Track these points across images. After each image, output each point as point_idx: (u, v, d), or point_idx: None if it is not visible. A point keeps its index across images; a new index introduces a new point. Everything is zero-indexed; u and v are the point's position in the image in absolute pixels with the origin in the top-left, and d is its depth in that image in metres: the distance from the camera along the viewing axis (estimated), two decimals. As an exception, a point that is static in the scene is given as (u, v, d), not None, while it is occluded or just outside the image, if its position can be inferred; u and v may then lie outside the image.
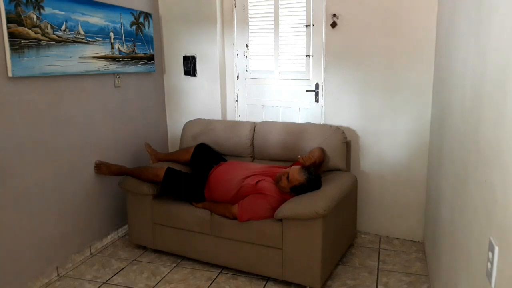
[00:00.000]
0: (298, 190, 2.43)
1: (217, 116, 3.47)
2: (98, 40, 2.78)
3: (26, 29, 2.28)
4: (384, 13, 2.80)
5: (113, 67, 2.95)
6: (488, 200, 1.08)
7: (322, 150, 2.72)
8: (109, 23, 2.89)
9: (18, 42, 2.24)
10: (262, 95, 3.43)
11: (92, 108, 2.84)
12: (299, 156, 2.60)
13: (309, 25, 3.13)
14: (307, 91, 3.21)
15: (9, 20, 2.18)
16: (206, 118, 3.43)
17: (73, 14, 2.59)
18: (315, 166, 2.58)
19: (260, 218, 2.40)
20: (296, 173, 2.45)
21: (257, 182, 2.54)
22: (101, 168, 2.87)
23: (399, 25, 2.78)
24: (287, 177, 2.45)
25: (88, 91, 2.81)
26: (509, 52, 0.95)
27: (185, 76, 3.53)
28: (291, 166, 2.67)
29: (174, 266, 2.71)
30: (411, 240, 3.02)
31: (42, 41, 2.38)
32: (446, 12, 2.25)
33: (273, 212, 2.36)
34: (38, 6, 2.34)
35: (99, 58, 2.81)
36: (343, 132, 2.86)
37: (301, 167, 2.49)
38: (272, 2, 3.23)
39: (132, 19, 3.12)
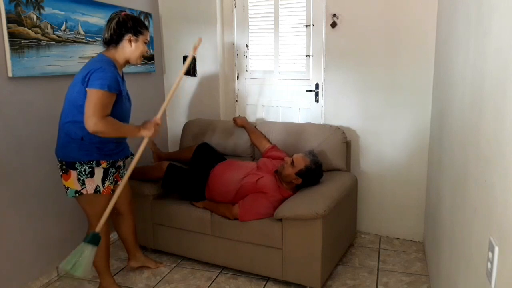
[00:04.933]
0: (305, 174, 2.46)
1: (217, 116, 3.47)
2: (98, 40, 2.78)
3: (26, 29, 2.28)
4: (384, 13, 2.80)
5: (113, 67, 2.94)
6: (488, 200, 1.08)
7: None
8: (109, 23, 2.88)
9: (18, 42, 2.24)
10: (262, 95, 3.43)
11: (92, 108, 2.83)
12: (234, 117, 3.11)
13: (309, 25, 3.13)
14: (307, 91, 3.21)
15: (9, 20, 2.18)
16: (206, 118, 3.43)
17: (73, 14, 2.58)
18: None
19: (262, 216, 2.41)
20: (300, 158, 2.51)
21: (257, 180, 2.54)
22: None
23: (399, 25, 2.78)
24: (291, 163, 2.47)
25: (88, 91, 2.80)
26: (509, 52, 0.95)
27: (185, 76, 3.52)
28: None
29: (174, 266, 2.71)
30: (411, 240, 3.02)
31: (42, 41, 2.38)
32: (446, 12, 2.25)
33: (273, 210, 2.36)
34: (38, 6, 2.34)
35: (99, 58, 2.80)
36: (343, 132, 2.86)
37: (304, 153, 2.56)
38: (272, 2, 3.23)
39: (132, 19, 3.11)
